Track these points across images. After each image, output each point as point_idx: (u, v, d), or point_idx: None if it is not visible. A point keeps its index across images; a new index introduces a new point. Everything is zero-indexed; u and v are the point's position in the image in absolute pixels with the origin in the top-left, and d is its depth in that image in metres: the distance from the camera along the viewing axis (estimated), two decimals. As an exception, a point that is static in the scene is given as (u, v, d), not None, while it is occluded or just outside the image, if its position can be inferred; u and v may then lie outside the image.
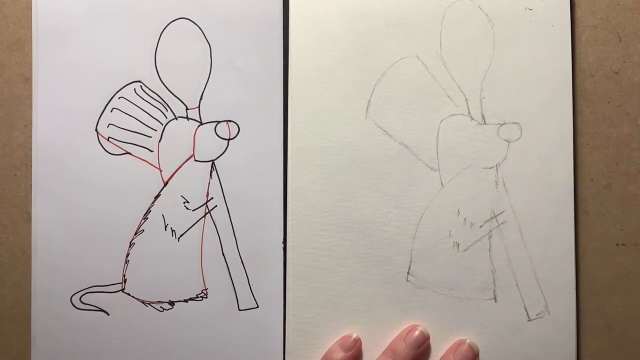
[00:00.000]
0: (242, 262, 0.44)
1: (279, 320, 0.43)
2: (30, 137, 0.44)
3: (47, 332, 0.43)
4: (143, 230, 0.43)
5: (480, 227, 0.43)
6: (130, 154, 0.44)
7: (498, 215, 0.43)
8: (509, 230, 0.43)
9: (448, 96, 0.43)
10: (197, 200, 0.44)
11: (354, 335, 0.42)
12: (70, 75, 0.44)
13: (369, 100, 0.43)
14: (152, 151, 0.44)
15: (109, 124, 0.44)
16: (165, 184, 0.44)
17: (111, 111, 0.44)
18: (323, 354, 0.42)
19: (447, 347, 0.42)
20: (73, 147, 0.43)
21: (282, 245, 0.44)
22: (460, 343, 0.42)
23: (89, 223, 0.43)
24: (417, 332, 0.42)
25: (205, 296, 0.43)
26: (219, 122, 0.44)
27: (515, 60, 0.43)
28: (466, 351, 0.42)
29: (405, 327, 0.42)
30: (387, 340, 0.42)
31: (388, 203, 0.43)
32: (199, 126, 0.44)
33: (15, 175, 0.44)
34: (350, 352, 0.41)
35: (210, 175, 0.44)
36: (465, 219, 0.43)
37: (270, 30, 0.44)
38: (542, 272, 0.43)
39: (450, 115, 0.43)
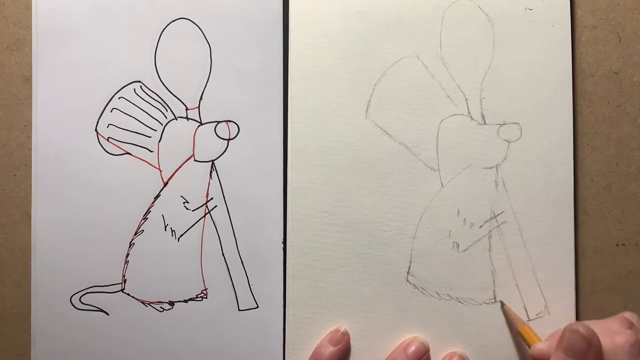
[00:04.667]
0: (242, 262, 0.44)
1: (279, 320, 0.43)
2: (30, 137, 0.44)
3: (47, 332, 0.43)
4: (143, 230, 0.43)
5: (480, 227, 0.43)
6: (130, 154, 0.44)
7: (498, 215, 0.43)
8: (509, 230, 0.43)
9: (448, 96, 0.43)
10: (197, 200, 0.44)
11: (342, 329, 0.42)
12: (70, 75, 0.44)
13: (369, 100, 0.43)
14: (152, 151, 0.44)
15: (109, 124, 0.44)
16: (165, 184, 0.44)
17: (111, 111, 0.44)
18: None
19: (447, 350, 0.42)
20: (73, 147, 0.43)
21: (282, 245, 0.44)
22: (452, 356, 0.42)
23: (89, 223, 0.43)
24: (418, 344, 0.41)
25: (205, 296, 0.43)
26: (218, 122, 0.44)
27: (515, 60, 0.43)
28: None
29: (406, 338, 0.42)
30: (386, 340, 0.42)
31: (388, 203, 0.43)
32: (198, 126, 0.44)
33: (15, 175, 0.44)
34: (339, 346, 0.41)
35: (210, 175, 0.44)
36: (465, 219, 0.43)
37: (270, 30, 0.44)
38: (541, 272, 0.43)
39: (450, 115, 0.43)
